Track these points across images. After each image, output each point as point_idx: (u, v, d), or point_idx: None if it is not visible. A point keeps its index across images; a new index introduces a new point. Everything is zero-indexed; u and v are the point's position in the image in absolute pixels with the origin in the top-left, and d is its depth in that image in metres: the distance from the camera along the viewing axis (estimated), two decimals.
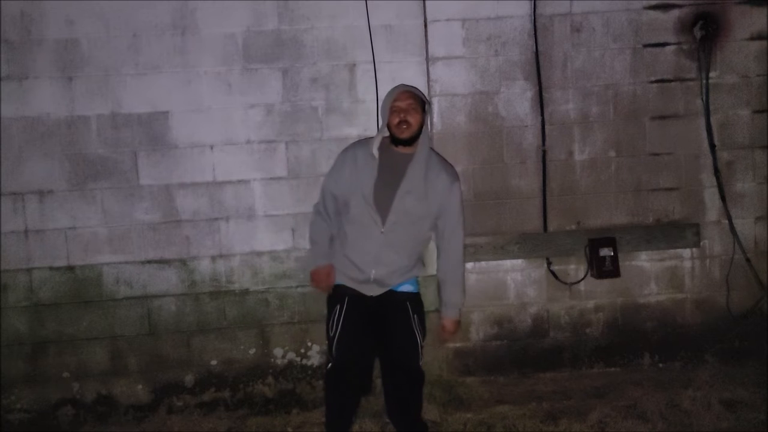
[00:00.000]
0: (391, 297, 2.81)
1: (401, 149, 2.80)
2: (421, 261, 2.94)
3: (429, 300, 3.59)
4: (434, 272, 3.57)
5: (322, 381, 2.95)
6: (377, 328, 2.79)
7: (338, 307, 2.80)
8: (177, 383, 3.55)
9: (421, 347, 2.83)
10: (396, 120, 2.76)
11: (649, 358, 3.68)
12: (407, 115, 2.75)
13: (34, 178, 3.44)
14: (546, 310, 3.65)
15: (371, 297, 2.80)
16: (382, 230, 2.74)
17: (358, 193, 2.76)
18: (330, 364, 2.81)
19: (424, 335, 2.84)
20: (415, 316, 2.82)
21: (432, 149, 2.91)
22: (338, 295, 2.83)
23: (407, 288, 2.85)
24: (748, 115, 3.63)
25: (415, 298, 2.86)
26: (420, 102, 2.80)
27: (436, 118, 3.54)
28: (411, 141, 2.78)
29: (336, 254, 2.86)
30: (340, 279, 2.84)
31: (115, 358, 3.53)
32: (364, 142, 2.92)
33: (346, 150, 2.92)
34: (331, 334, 2.79)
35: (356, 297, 2.80)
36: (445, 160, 2.97)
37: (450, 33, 3.50)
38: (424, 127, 2.81)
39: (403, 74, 3.51)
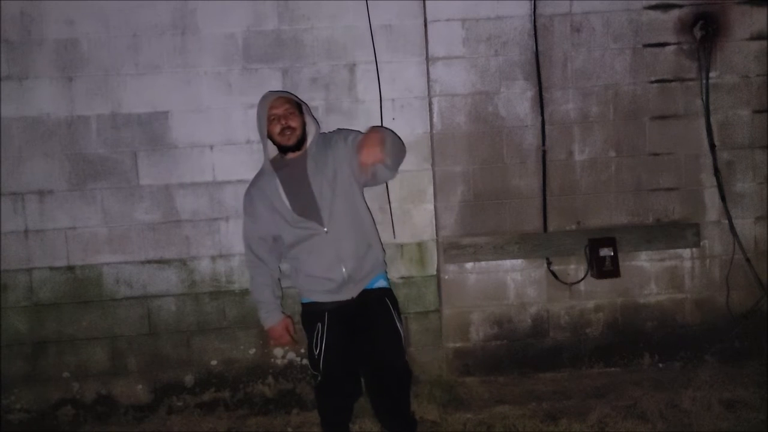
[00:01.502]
0: (369, 296, 2.80)
1: (293, 155, 2.78)
2: (380, 246, 2.92)
3: (429, 300, 3.61)
4: (433, 272, 3.59)
5: (314, 395, 2.94)
6: (360, 332, 2.77)
7: (319, 325, 2.76)
8: (177, 383, 3.55)
9: (404, 340, 2.84)
10: (278, 128, 2.73)
11: (649, 358, 3.68)
12: (288, 120, 2.73)
13: (34, 178, 3.44)
14: (546, 310, 3.65)
15: (350, 301, 2.77)
16: (326, 230, 2.72)
17: (280, 219, 2.74)
18: (319, 380, 2.79)
19: (403, 328, 2.85)
20: (395, 311, 2.83)
21: (318, 135, 2.87)
22: (316, 312, 2.79)
23: (381, 283, 2.85)
24: (748, 115, 3.63)
25: (390, 293, 2.87)
26: (296, 105, 2.78)
27: (436, 118, 3.54)
28: (299, 145, 2.76)
29: (298, 278, 2.83)
30: (313, 297, 2.81)
31: (115, 358, 3.53)
32: (258, 174, 2.90)
33: (248, 191, 2.90)
34: (317, 352, 2.76)
35: (335, 309, 2.76)
36: (331, 132, 2.97)
37: (450, 33, 3.50)
38: (306, 126, 2.80)
39: (403, 74, 3.51)
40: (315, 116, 3.51)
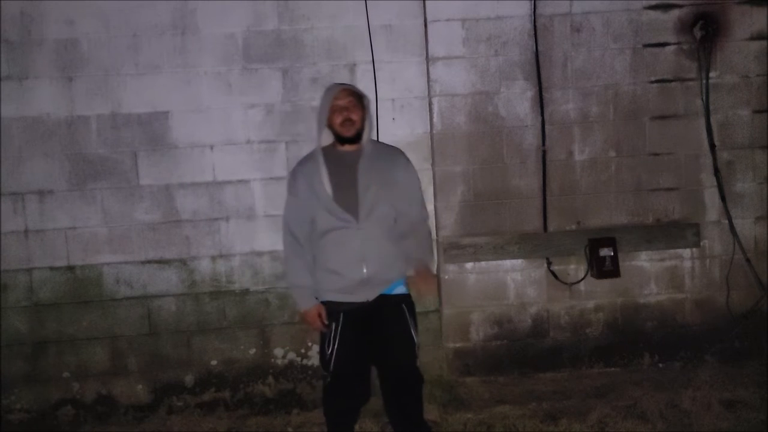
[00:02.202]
0: (386, 301, 2.77)
1: (347, 148, 2.77)
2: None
3: (429, 300, 3.60)
4: (433, 272, 3.58)
5: (321, 396, 2.91)
6: (373, 335, 2.76)
7: (333, 325, 2.74)
8: (177, 383, 3.55)
9: (418, 349, 2.82)
10: (339, 119, 2.73)
11: (649, 358, 3.68)
12: (350, 112, 2.73)
13: (34, 178, 3.44)
14: (546, 310, 3.65)
15: (366, 303, 2.75)
16: (358, 226, 2.71)
17: (318, 203, 2.73)
18: (328, 380, 2.77)
19: (418, 336, 2.83)
20: (411, 318, 2.80)
21: (373, 140, 2.88)
22: (331, 312, 2.76)
23: (401, 290, 2.82)
24: (748, 115, 3.63)
25: (408, 300, 2.84)
26: (359, 98, 2.78)
27: (436, 118, 3.54)
28: (357, 138, 2.76)
29: (319, 273, 2.79)
30: (330, 296, 2.77)
31: (115, 358, 3.53)
32: (307, 156, 2.88)
33: (293, 170, 2.86)
34: (329, 352, 2.74)
35: (350, 310, 2.74)
36: (391, 145, 2.97)
37: (450, 33, 3.50)
38: (366, 122, 2.79)
39: (403, 74, 3.51)
40: (315, 116, 3.51)
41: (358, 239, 2.71)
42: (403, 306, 2.79)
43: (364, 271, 2.71)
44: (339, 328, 2.73)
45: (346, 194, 2.72)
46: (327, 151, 2.79)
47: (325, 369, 2.79)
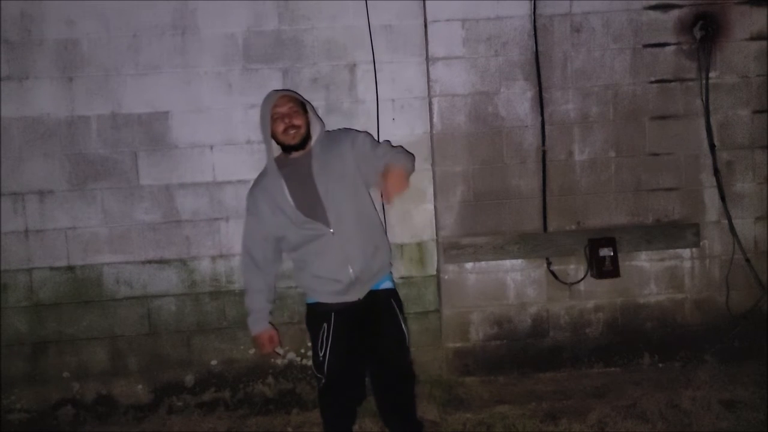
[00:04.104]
0: (375, 297, 2.78)
1: (296, 155, 2.74)
2: (387, 246, 2.89)
3: (429, 300, 3.61)
4: (433, 272, 3.59)
5: (317, 397, 2.92)
6: (365, 332, 2.75)
7: (325, 325, 2.73)
8: (177, 383, 3.55)
9: (408, 342, 2.83)
10: (282, 127, 2.69)
11: (648, 358, 3.68)
12: (292, 119, 2.69)
13: (34, 178, 3.44)
14: (546, 310, 3.65)
15: (356, 303, 2.75)
16: (332, 231, 2.68)
17: (285, 220, 2.70)
18: (323, 382, 2.76)
19: (407, 329, 2.84)
20: (400, 312, 2.82)
21: (322, 133, 2.82)
22: (322, 312, 2.76)
23: (387, 285, 2.83)
24: (748, 115, 3.63)
25: (395, 294, 2.85)
26: (299, 104, 2.75)
27: (436, 119, 3.54)
28: (303, 144, 2.73)
29: (304, 278, 2.78)
30: (319, 297, 2.77)
31: (115, 358, 3.53)
32: (261, 174, 2.85)
33: (251, 191, 2.83)
34: (321, 354, 2.73)
35: (341, 310, 2.74)
36: (336, 130, 2.93)
37: (450, 33, 3.50)
38: (310, 125, 2.76)
39: (403, 74, 3.51)
40: None
41: (336, 245, 2.69)
42: (392, 300, 2.80)
43: (351, 271, 2.71)
44: (331, 328, 2.72)
45: (310, 203, 2.68)
46: (280, 163, 2.75)
47: (318, 371, 2.77)
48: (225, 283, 3.55)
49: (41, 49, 3.40)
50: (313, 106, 2.97)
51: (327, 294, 2.74)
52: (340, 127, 2.99)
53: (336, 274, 2.71)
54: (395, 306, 2.80)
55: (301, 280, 2.84)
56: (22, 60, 3.39)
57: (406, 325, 2.83)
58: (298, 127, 2.70)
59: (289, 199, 2.69)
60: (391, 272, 2.92)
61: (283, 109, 2.71)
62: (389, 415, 2.83)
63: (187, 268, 3.53)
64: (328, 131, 2.92)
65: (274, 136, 2.74)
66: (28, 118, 3.42)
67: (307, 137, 2.75)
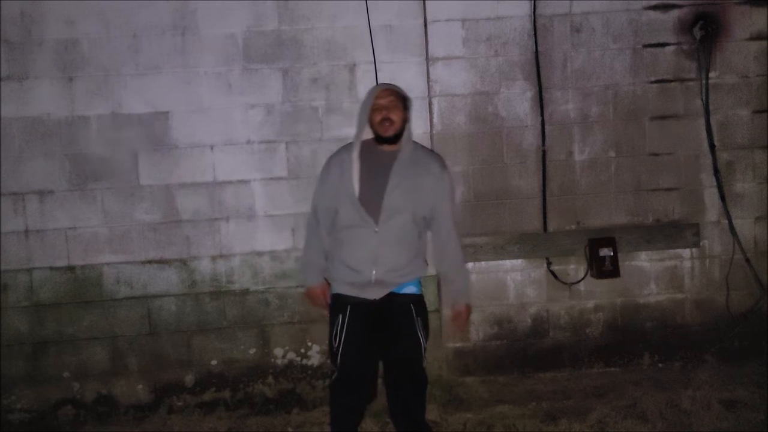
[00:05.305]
0: (395, 300, 2.77)
1: (386, 148, 2.77)
2: (423, 259, 2.88)
3: (429, 300, 3.60)
4: (433, 272, 3.58)
5: (327, 391, 2.91)
6: (380, 333, 2.76)
7: (340, 317, 2.75)
8: (177, 383, 3.55)
9: (424, 350, 2.80)
10: (379, 118, 2.73)
11: (648, 358, 3.68)
12: (389, 112, 2.72)
13: (35, 178, 3.44)
14: (546, 310, 3.66)
15: (374, 301, 2.76)
16: (376, 229, 2.71)
17: (344, 197, 2.74)
18: (335, 375, 2.77)
19: (427, 338, 2.80)
20: (419, 318, 2.78)
21: (416, 143, 2.88)
22: (339, 304, 2.78)
23: (410, 290, 2.81)
24: (748, 115, 3.63)
25: (418, 300, 2.82)
26: (401, 99, 2.78)
27: (436, 119, 3.54)
28: (395, 139, 2.76)
29: (333, 263, 2.82)
30: (340, 288, 2.79)
31: (116, 358, 3.53)
32: (345, 147, 2.89)
33: (331, 157, 2.88)
34: (335, 345, 2.74)
35: (358, 304, 2.75)
36: (432, 152, 2.96)
37: (450, 33, 3.50)
38: (407, 123, 2.79)
39: (403, 74, 3.51)
40: (315, 116, 3.52)
41: (373, 241, 2.72)
42: (411, 306, 2.79)
43: (374, 273, 2.72)
44: (346, 320, 2.74)
45: (372, 195, 2.72)
46: (365, 147, 2.80)
47: (333, 362, 2.79)
48: (225, 283, 3.55)
49: (41, 49, 3.40)
50: (412, 104, 2.91)
51: (346, 285, 2.78)
52: (434, 153, 2.95)
53: (359, 269, 2.74)
54: (413, 310, 2.79)
55: (330, 266, 2.87)
56: (22, 60, 3.39)
57: (424, 331, 2.79)
58: (393, 122, 2.74)
59: (356, 180, 2.74)
60: (419, 278, 2.87)
61: (384, 101, 2.75)
62: (398, 417, 2.83)
63: (188, 268, 3.53)
64: (423, 146, 2.95)
65: (371, 125, 2.79)
66: (28, 118, 3.42)
67: (401, 133, 2.78)
